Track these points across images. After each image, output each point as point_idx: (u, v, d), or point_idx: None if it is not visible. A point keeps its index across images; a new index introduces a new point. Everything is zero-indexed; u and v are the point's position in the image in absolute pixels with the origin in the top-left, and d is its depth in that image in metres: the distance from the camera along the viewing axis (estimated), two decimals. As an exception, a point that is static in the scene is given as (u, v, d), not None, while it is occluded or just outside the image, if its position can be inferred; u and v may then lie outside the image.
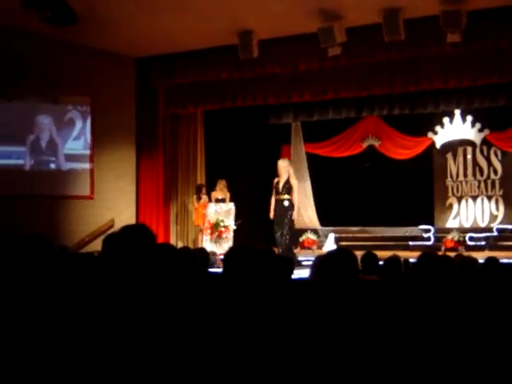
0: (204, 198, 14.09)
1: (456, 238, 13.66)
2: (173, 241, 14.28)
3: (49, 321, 2.74)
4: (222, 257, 11.13)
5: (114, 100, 13.59)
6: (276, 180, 12.37)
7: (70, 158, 13.32)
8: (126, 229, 3.13)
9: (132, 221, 13.20)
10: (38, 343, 2.66)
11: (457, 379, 3.29)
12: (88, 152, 13.46)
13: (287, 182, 12.22)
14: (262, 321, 3.12)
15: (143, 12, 11.14)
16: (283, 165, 12.41)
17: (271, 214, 12.38)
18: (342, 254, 3.61)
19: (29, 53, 12.21)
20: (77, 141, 13.43)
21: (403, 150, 15.79)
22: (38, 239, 3.12)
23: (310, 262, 5.98)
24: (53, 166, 13.10)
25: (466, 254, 10.10)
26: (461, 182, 15.40)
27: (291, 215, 12.30)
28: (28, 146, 12.82)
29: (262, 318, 3.14)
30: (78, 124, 13.42)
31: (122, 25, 11.66)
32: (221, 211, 13.70)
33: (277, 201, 12.26)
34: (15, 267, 2.95)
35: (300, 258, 12.10)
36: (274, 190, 12.40)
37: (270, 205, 12.46)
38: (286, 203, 12.15)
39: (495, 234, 14.25)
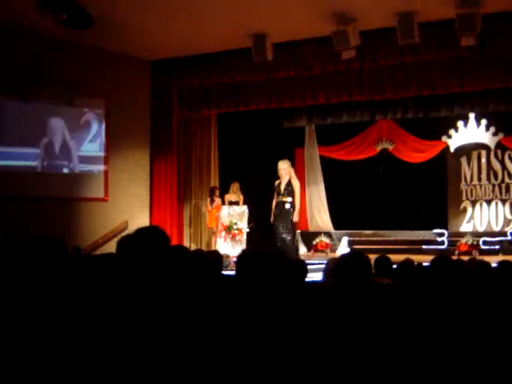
0: (217, 200, 14.10)
1: (470, 242, 13.61)
2: (186, 243, 14.30)
3: (63, 322, 2.75)
4: (235, 259, 11.13)
5: (128, 103, 13.64)
6: (277, 182, 12.26)
7: (86, 160, 13.37)
8: (141, 231, 3.14)
9: (146, 223, 13.22)
10: (51, 344, 2.68)
11: (470, 381, 3.29)
12: (102, 154, 13.50)
13: (289, 184, 12.09)
14: (275, 323, 3.13)
15: (158, 15, 11.18)
16: (283, 167, 12.23)
17: (272, 218, 12.31)
18: (355, 257, 3.61)
19: (45, 55, 12.28)
20: (93, 143, 13.47)
21: (417, 153, 15.76)
22: (52, 242, 3.13)
23: (323, 265, 5.99)
24: (66, 169, 13.13)
25: (479, 258, 10.07)
26: (475, 185, 15.34)
27: (292, 218, 12.17)
28: (42, 148, 12.86)
29: (275, 321, 3.14)
30: (94, 126, 13.47)
31: (137, 28, 11.71)
32: (234, 214, 13.69)
33: (278, 203, 12.15)
34: (30, 270, 2.96)
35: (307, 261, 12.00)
36: (275, 193, 12.28)
37: (271, 207, 12.39)
38: (288, 206, 12.03)
39: (509, 238, 14.16)
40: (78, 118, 13.33)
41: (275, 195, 12.29)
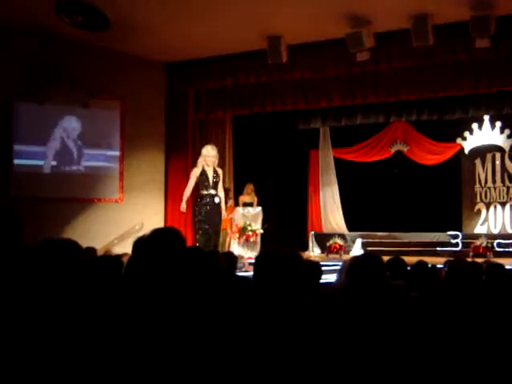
0: (230, 202, 14.10)
1: (484, 244, 13.55)
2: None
3: (79, 323, 2.78)
4: (249, 261, 11.10)
5: (144, 104, 13.67)
6: (199, 170, 11.27)
7: (103, 159, 13.46)
8: (157, 232, 3.17)
9: (160, 224, 13.24)
10: (67, 343, 2.71)
11: (484, 380, 3.30)
12: (118, 155, 13.57)
13: (216, 172, 11.30)
14: (291, 324, 3.15)
15: (174, 18, 11.23)
16: (214, 153, 11.34)
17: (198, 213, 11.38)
18: (369, 258, 3.62)
19: (61, 57, 12.38)
20: (105, 143, 13.54)
21: (432, 155, 15.73)
22: (67, 243, 3.14)
23: (337, 267, 5.99)
24: (81, 169, 13.23)
25: (493, 260, 10.04)
26: (489, 187, 15.29)
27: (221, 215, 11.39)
28: (57, 149, 12.99)
29: (291, 321, 3.16)
30: (112, 127, 13.54)
31: (153, 30, 11.75)
32: (248, 215, 13.69)
33: (206, 196, 11.22)
34: (46, 271, 2.98)
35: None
36: (194, 182, 11.32)
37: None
38: (217, 200, 11.29)
39: (524, 240, 14.13)
40: (96, 118, 13.41)
41: (192, 185, 11.33)
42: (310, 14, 10.87)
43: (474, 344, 3.54)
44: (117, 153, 13.56)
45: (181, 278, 3.02)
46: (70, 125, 13.15)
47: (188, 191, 11.45)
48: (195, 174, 11.35)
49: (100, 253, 11.52)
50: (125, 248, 11.06)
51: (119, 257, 7.17)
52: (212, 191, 11.22)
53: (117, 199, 13.54)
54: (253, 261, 4.89)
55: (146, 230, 3.22)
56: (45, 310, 2.79)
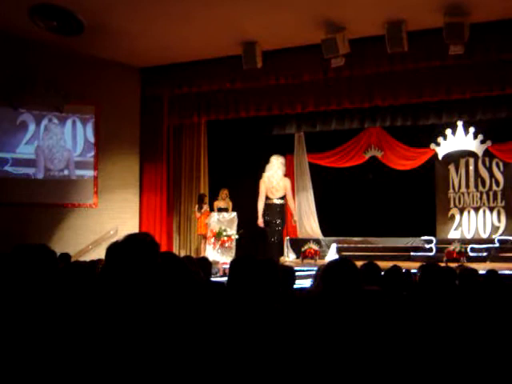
0: (205, 207, 14.08)
1: (458, 249, 13.61)
2: (175, 250, 14.28)
3: (50, 330, 2.75)
4: (224, 266, 11.14)
5: (118, 109, 13.65)
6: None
7: (75, 165, 13.38)
8: (130, 237, 3.14)
9: (135, 229, 13.20)
10: (38, 352, 2.68)
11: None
12: (92, 160, 13.50)
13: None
14: (264, 328, 3.14)
15: (149, 22, 11.21)
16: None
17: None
18: (344, 263, 3.63)
19: (35, 62, 12.31)
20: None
21: (406, 161, 15.78)
22: (39, 249, 3.11)
23: (312, 272, 5.99)
24: (58, 173, 13.15)
25: (467, 265, 10.10)
26: (463, 193, 15.38)
27: None
28: (34, 154, 12.90)
29: (264, 326, 3.16)
30: (80, 131, 13.46)
31: (128, 35, 11.73)
32: (223, 220, 13.66)
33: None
34: (18, 277, 2.95)
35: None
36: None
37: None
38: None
39: (497, 245, 14.18)
40: (65, 122, 13.34)
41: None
42: (285, 20, 10.90)
43: (446, 348, 3.55)
44: (92, 157, 13.49)
45: (154, 283, 3.00)
46: (48, 130, 13.07)
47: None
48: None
49: (74, 259, 11.48)
50: (100, 254, 11.03)
51: (94, 262, 7.14)
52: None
53: (91, 204, 13.47)
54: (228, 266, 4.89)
55: (121, 235, 3.20)
56: (18, 316, 2.76)
